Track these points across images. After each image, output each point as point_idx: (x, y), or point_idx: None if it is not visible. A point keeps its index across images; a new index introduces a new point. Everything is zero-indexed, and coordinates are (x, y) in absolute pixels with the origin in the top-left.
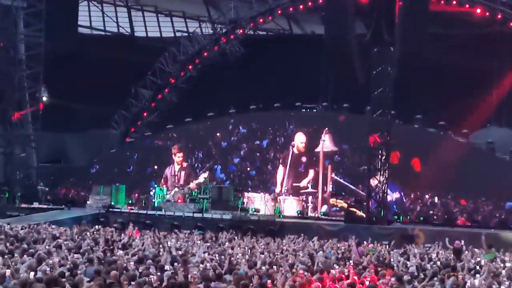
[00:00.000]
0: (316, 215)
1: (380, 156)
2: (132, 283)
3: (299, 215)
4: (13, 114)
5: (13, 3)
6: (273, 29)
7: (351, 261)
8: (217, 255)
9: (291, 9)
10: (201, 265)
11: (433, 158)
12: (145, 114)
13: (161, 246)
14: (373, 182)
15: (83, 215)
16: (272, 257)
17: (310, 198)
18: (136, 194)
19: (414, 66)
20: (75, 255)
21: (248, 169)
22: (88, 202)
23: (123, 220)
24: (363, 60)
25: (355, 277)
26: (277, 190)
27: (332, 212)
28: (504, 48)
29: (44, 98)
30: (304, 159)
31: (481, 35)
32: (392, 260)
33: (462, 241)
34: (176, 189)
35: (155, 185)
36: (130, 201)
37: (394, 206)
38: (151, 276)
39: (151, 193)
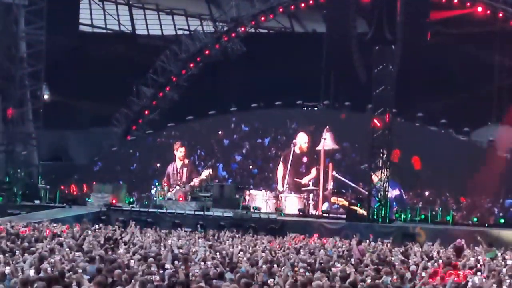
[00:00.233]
0: (318, 213)
1: (381, 155)
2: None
3: (300, 213)
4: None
5: (14, 1)
6: (274, 27)
7: (352, 260)
8: (218, 253)
9: (292, 7)
10: (202, 264)
11: (434, 156)
12: (146, 112)
13: (162, 244)
14: (374, 179)
15: (84, 213)
16: (274, 255)
17: (311, 196)
18: (135, 194)
19: (415, 64)
20: (76, 253)
21: (250, 167)
22: (89, 200)
23: (124, 218)
24: (365, 58)
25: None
26: (279, 187)
27: (333, 209)
28: (505, 47)
29: (45, 96)
30: (305, 158)
31: (483, 34)
32: (393, 258)
33: (463, 240)
34: (178, 187)
35: (157, 183)
36: (131, 199)
37: (394, 203)
38: (152, 275)
39: (152, 191)
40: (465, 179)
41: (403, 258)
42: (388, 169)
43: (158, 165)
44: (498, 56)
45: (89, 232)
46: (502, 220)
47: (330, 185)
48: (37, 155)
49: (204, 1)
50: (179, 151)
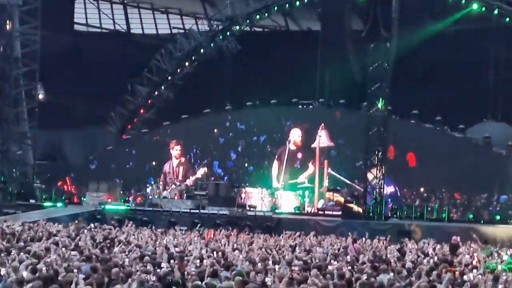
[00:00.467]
0: (313, 210)
1: (376, 152)
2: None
3: (296, 211)
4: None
5: (9, 1)
6: (269, 26)
7: (348, 257)
8: (214, 252)
9: (287, 5)
10: (198, 262)
11: (429, 153)
12: (141, 111)
13: (158, 243)
14: (370, 177)
15: (79, 212)
16: (269, 254)
17: (306, 193)
18: (131, 197)
19: (410, 61)
20: (72, 252)
21: (246, 164)
22: (85, 199)
23: (119, 217)
24: (360, 56)
25: None
26: (274, 185)
27: (329, 206)
28: (500, 43)
29: (40, 96)
30: (299, 155)
31: (478, 31)
32: (389, 256)
33: (458, 237)
34: (174, 186)
35: (152, 182)
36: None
37: (389, 200)
38: (148, 273)
39: (148, 189)
40: (460, 175)
41: (399, 255)
42: (383, 167)
43: (154, 163)
44: (493, 53)
45: (85, 231)
46: (498, 217)
47: (326, 182)
48: (32, 155)
49: (199, 0)
50: (175, 150)
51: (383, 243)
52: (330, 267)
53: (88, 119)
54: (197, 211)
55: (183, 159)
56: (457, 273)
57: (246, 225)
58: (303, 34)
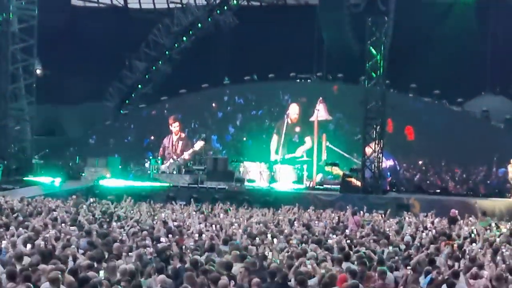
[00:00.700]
0: (312, 185)
1: (375, 126)
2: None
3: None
4: None
5: None
6: (266, 0)
7: (347, 231)
8: (213, 226)
9: None
10: (196, 236)
11: (428, 127)
12: (139, 86)
13: (156, 217)
14: (368, 151)
15: (78, 187)
16: (268, 228)
17: (305, 167)
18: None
19: (408, 35)
20: (70, 227)
21: (244, 138)
22: (83, 174)
23: (118, 192)
24: (357, 30)
25: None
26: (272, 158)
27: (327, 180)
28: (498, 16)
29: (38, 71)
30: (297, 128)
31: (476, 3)
32: (387, 229)
33: (457, 211)
34: (172, 160)
35: (151, 157)
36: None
37: (388, 174)
38: (146, 248)
39: (146, 164)
40: (458, 149)
41: (398, 229)
42: (382, 140)
43: (152, 137)
44: (492, 26)
45: (83, 206)
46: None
47: (324, 156)
48: (30, 130)
49: None
50: (173, 126)
51: (381, 216)
52: (329, 241)
53: (86, 94)
54: (196, 185)
55: (182, 135)
56: (455, 246)
57: (244, 200)
58: (300, 8)
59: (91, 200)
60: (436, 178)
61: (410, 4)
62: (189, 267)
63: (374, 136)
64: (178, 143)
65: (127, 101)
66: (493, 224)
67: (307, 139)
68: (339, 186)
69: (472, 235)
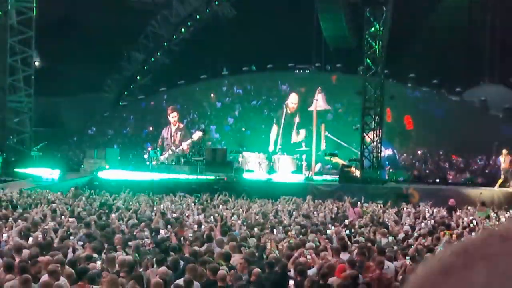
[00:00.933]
0: (310, 175)
1: (373, 115)
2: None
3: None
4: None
5: None
6: None
7: (346, 221)
8: (212, 217)
9: None
10: (196, 227)
11: (426, 116)
12: (138, 77)
13: (155, 208)
14: (367, 140)
15: (77, 179)
16: (267, 219)
17: (304, 157)
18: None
19: (406, 25)
20: (70, 219)
21: (243, 129)
22: (82, 166)
23: (116, 184)
24: (356, 19)
25: None
26: (271, 148)
27: (326, 169)
28: (497, 5)
29: (36, 63)
30: (297, 119)
31: None
32: (386, 219)
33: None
34: (170, 151)
35: (150, 149)
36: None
37: (387, 163)
38: (145, 239)
39: (145, 156)
40: (457, 138)
41: (397, 218)
42: (381, 130)
43: (151, 128)
44: (490, 15)
45: (82, 198)
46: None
47: (323, 145)
48: (29, 122)
49: None
50: (171, 117)
51: (380, 206)
52: (328, 231)
53: (84, 85)
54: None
55: (181, 125)
56: (454, 235)
57: (243, 190)
58: None
59: (90, 191)
60: (434, 168)
61: None
62: (190, 258)
63: (373, 126)
64: (176, 133)
65: (125, 93)
66: (492, 214)
67: (302, 131)
68: (338, 176)
69: (471, 225)
